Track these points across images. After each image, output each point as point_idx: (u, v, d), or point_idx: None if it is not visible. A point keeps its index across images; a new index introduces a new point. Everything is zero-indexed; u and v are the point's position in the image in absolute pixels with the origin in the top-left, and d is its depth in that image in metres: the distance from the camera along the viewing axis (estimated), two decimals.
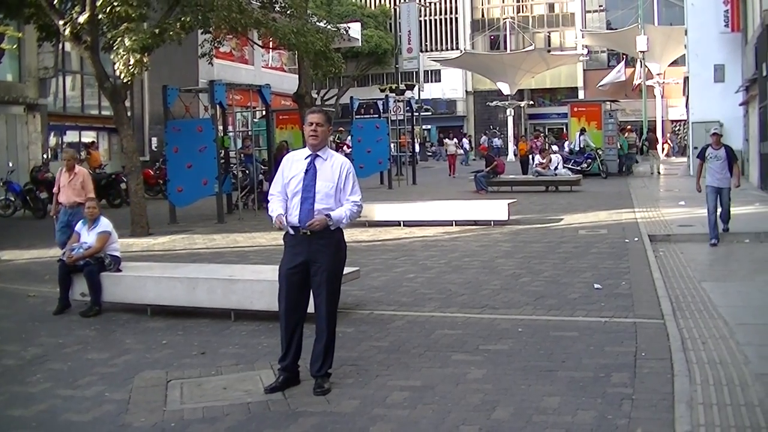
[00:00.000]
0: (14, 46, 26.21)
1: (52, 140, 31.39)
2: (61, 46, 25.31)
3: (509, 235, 16.06)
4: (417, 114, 44.77)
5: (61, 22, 17.50)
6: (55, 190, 13.29)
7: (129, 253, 13.68)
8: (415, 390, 6.41)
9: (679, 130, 59.58)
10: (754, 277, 11.50)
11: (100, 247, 10.05)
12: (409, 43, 62.08)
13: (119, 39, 16.67)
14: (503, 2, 74.46)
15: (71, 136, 32.93)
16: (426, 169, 45.14)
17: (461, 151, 50.80)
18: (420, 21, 67.21)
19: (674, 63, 55.31)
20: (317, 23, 26.83)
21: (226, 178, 21.15)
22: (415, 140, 40.55)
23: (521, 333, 8.13)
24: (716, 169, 14.29)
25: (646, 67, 53.13)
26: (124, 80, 17.31)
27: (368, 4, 72.69)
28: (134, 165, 18.46)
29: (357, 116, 32.01)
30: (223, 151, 21.41)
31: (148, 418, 6.03)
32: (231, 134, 23.82)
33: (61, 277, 10.08)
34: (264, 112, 24.67)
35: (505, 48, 69.34)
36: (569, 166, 31.20)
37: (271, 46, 32.55)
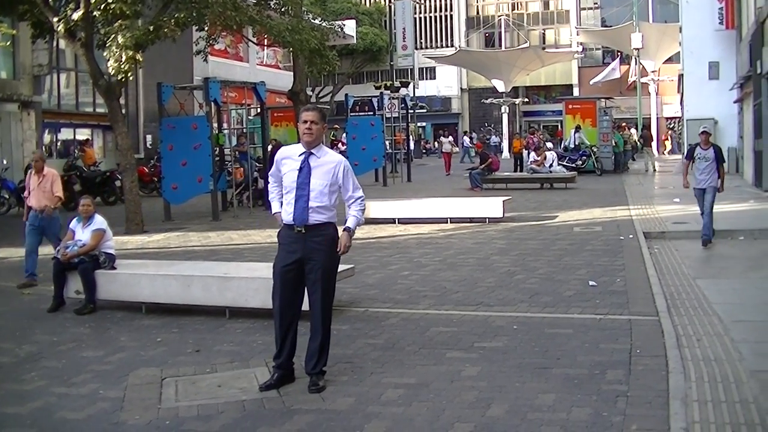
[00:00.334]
0: (8, 43, 26.16)
1: (47, 138, 31.35)
2: (55, 43, 25.29)
3: (504, 233, 16.07)
4: (412, 111, 44.75)
5: (55, 19, 17.46)
6: (25, 194, 12.75)
7: (124, 251, 13.68)
8: (410, 387, 6.41)
9: (673, 127, 59.60)
10: (748, 274, 11.53)
11: (95, 244, 10.04)
12: (404, 41, 62.03)
13: (113, 36, 16.64)
14: None
15: (66, 134, 32.90)
16: (421, 166, 45.13)
17: (457, 149, 50.75)
18: (415, 18, 67.15)
19: (669, 60, 55.36)
20: (312, 20, 26.88)
21: (221, 175, 21.13)
22: (410, 137, 40.54)
23: (516, 330, 8.13)
24: (703, 169, 13.80)
25: (641, 64, 53.16)
26: (118, 77, 17.27)
27: (363, 2, 72.56)
28: (129, 162, 18.42)
29: (352, 114, 31.93)
30: (217, 149, 21.38)
31: (143, 416, 6.02)
32: (226, 132, 23.79)
33: (56, 274, 10.06)
34: (259, 110, 24.62)
35: (500, 45, 69.33)
36: (564, 163, 31.21)
37: (265, 44, 32.41)
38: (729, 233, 14.92)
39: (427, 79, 70.78)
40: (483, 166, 27.36)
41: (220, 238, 16.71)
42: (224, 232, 17.68)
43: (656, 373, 6.49)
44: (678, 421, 5.39)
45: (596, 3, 70.24)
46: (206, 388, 6.64)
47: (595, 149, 33.58)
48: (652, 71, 55.88)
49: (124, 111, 23.41)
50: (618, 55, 64.07)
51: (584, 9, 70.73)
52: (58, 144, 32.84)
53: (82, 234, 10.17)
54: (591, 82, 60.47)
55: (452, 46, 70.96)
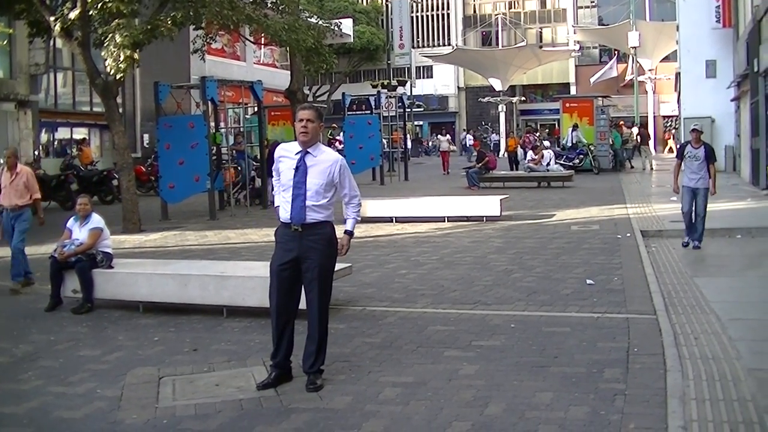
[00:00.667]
0: (5, 42, 26.13)
1: (44, 137, 31.27)
2: (52, 42, 25.23)
3: (501, 231, 16.07)
4: (409, 110, 44.70)
5: (52, 18, 17.44)
6: None
7: (121, 250, 13.67)
8: (408, 386, 6.40)
9: (669, 125, 59.60)
10: (746, 273, 11.54)
11: (92, 243, 10.02)
12: (400, 39, 62.09)
13: (110, 35, 16.62)
14: None
15: (62, 133, 32.83)
16: (418, 165, 45.12)
17: (455, 148, 50.70)
18: (412, 17, 67.18)
19: (666, 59, 55.34)
20: (309, 19, 26.82)
21: (218, 174, 21.11)
22: (407, 136, 40.51)
23: (514, 329, 8.13)
24: (694, 169, 13.31)
25: (638, 62, 53.18)
26: (115, 76, 17.25)
27: (360, 0, 72.54)
28: (126, 161, 18.40)
29: (349, 112, 31.92)
30: (215, 148, 21.36)
31: (140, 415, 6.01)
32: (223, 131, 23.77)
33: (53, 273, 10.05)
34: (256, 109, 24.60)
35: (497, 44, 69.26)
36: (561, 161, 31.24)
37: (262, 43, 32.46)
38: (726, 231, 14.93)
39: (424, 77, 70.70)
40: (480, 164, 27.37)
41: (218, 237, 16.69)
42: (221, 231, 17.67)
43: (654, 372, 6.50)
44: (676, 420, 5.39)
45: (593, 1, 70.18)
46: (204, 387, 6.63)
47: (592, 148, 33.60)
48: (649, 69, 55.86)
49: (121, 110, 23.40)
50: (615, 54, 64.08)
51: (581, 7, 70.67)
52: (55, 143, 32.76)
53: (79, 233, 10.16)
54: (591, 82, 60.46)
55: (449, 44, 70.88)
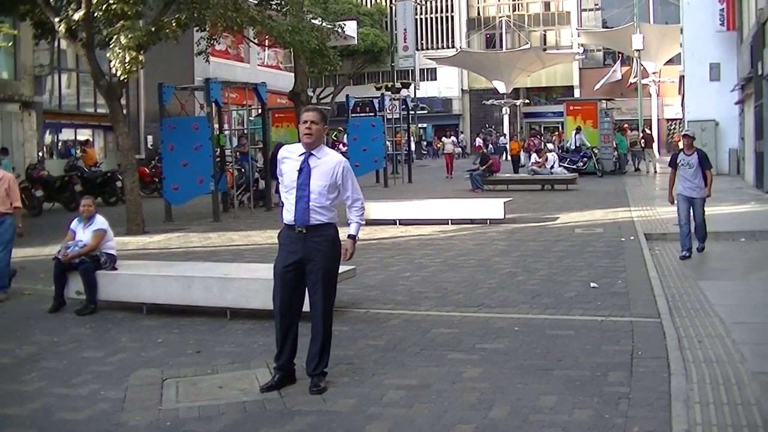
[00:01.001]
0: (9, 44, 26.16)
1: (48, 138, 31.35)
2: (56, 43, 25.27)
3: (505, 234, 16.06)
4: (413, 112, 44.75)
5: (56, 20, 17.45)
6: None
7: (124, 252, 13.67)
8: (411, 389, 6.40)
9: (674, 129, 59.53)
10: (749, 276, 11.52)
11: (96, 245, 10.03)
12: (404, 42, 62.06)
13: (115, 36, 16.64)
14: (499, 0, 74.45)
15: (67, 134, 32.93)
16: (422, 167, 45.12)
17: (459, 150, 50.63)
18: (416, 19, 67.16)
19: (670, 62, 55.32)
20: (313, 21, 26.85)
21: (222, 176, 21.12)
22: (411, 139, 40.51)
23: (517, 332, 8.12)
24: (688, 176, 12.72)
25: (642, 65, 53.13)
26: (120, 78, 17.27)
27: (364, 3, 72.56)
28: (130, 163, 18.42)
29: (353, 114, 31.94)
30: (218, 150, 21.38)
31: (144, 417, 6.01)
32: (226, 132, 23.78)
33: (57, 275, 10.06)
34: (260, 111, 24.62)
35: (501, 46, 69.32)
36: (565, 164, 31.22)
37: (266, 44, 32.50)
38: (730, 235, 14.91)
39: (427, 80, 70.75)
40: (484, 167, 27.36)
41: (221, 239, 16.70)
42: (225, 233, 17.68)
43: (658, 375, 6.48)
44: (680, 423, 5.38)
45: (597, 4, 70.18)
46: (207, 389, 6.63)
47: (596, 151, 33.58)
48: (653, 72, 55.84)
49: (125, 111, 23.46)
50: (619, 57, 64.04)
51: (585, 10, 70.67)
52: (59, 144, 32.86)
53: (82, 234, 10.16)
54: (596, 88, 60.43)
55: (453, 47, 70.93)
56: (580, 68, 68.41)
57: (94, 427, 5.92)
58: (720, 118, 31.25)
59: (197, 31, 22.58)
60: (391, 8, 62.87)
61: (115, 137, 22.13)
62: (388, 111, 33.10)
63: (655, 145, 41.02)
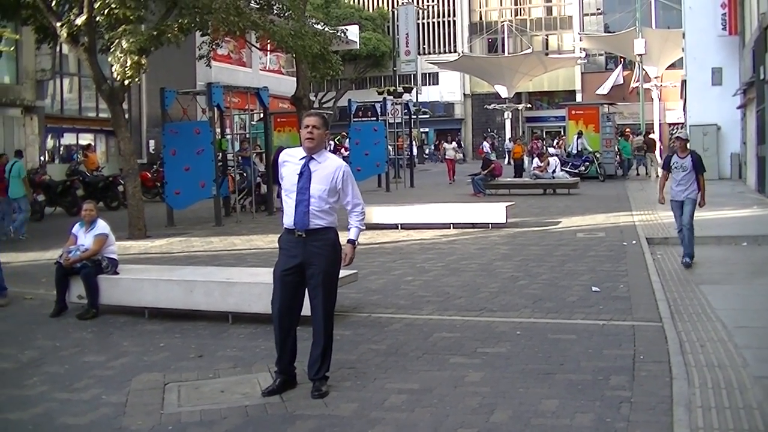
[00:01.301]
0: (11, 48, 26.21)
1: (50, 142, 31.39)
2: (58, 48, 25.30)
3: (507, 238, 16.06)
4: (415, 117, 44.74)
5: (58, 24, 17.48)
6: None
7: (126, 256, 13.68)
8: (413, 393, 6.39)
9: (674, 132, 59.57)
10: (752, 280, 11.50)
11: (98, 249, 10.03)
12: (406, 46, 62.02)
13: (117, 41, 16.66)
14: (501, 5, 74.48)
15: (68, 139, 32.95)
16: (424, 171, 45.11)
17: (461, 155, 50.58)
18: (418, 24, 67.14)
19: (672, 66, 55.35)
20: (315, 26, 26.86)
21: (224, 180, 21.12)
22: (413, 143, 40.49)
23: (519, 336, 8.12)
24: (680, 180, 12.30)
25: (644, 70, 53.16)
26: (122, 82, 17.29)
27: (366, 7, 72.71)
28: (132, 167, 18.43)
29: (355, 119, 31.96)
30: (220, 154, 21.38)
31: (146, 421, 6.01)
32: (228, 137, 23.79)
33: (58, 279, 10.07)
34: (262, 115, 24.63)
35: (503, 51, 69.34)
36: (567, 169, 31.21)
37: (268, 49, 32.50)
38: (732, 239, 14.89)
39: (430, 84, 70.79)
40: (485, 171, 27.35)
41: (223, 244, 16.71)
42: (227, 237, 17.69)
43: (660, 379, 6.48)
44: (682, 428, 5.37)
45: (599, 9, 70.22)
46: (209, 393, 6.63)
47: (597, 155, 33.57)
48: (655, 77, 55.87)
49: (126, 116, 23.46)
50: (621, 61, 64.07)
51: (587, 15, 70.70)
52: (61, 149, 32.89)
53: (84, 239, 10.17)
54: (602, 92, 60.46)
55: (455, 51, 71.01)
56: (582, 73, 68.44)
57: (96, 431, 5.92)
58: (722, 122, 31.25)
59: (199, 35, 22.60)
60: (393, 13, 62.86)
61: (116, 142, 22.18)
62: (390, 115, 33.10)
63: (657, 150, 41.02)
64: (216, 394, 6.58)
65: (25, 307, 10.78)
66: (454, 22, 74.46)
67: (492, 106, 61.97)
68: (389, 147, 31.99)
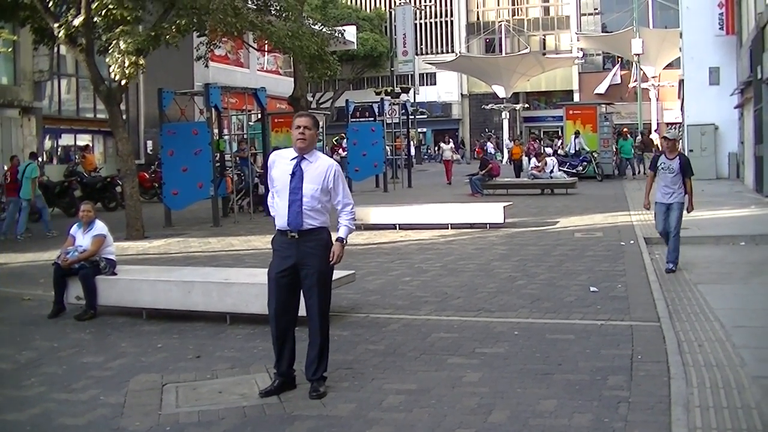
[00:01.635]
0: (9, 49, 26.20)
1: (48, 143, 31.37)
2: (56, 49, 25.30)
3: (505, 238, 16.06)
4: (412, 117, 44.76)
5: (56, 25, 17.46)
6: None
7: (124, 257, 13.67)
8: (411, 393, 6.39)
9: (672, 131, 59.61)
10: (749, 280, 11.50)
11: (95, 250, 10.02)
12: (404, 46, 62.12)
13: (114, 42, 16.65)
14: (498, 5, 74.56)
15: (66, 140, 32.95)
16: (421, 172, 45.10)
17: (458, 156, 50.54)
18: (415, 24, 67.25)
19: (669, 66, 55.47)
20: (312, 26, 26.87)
21: (222, 181, 21.12)
22: (411, 143, 40.50)
23: (517, 336, 8.12)
24: (667, 182, 11.72)
25: (642, 69, 53.22)
26: (120, 82, 17.28)
27: (363, 8, 72.73)
28: (129, 168, 18.42)
29: (352, 119, 31.95)
30: (218, 155, 21.38)
31: (144, 422, 6.01)
32: (226, 137, 23.78)
33: (56, 280, 10.05)
34: (259, 116, 24.64)
35: (501, 51, 69.42)
36: (565, 169, 31.23)
37: (266, 50, 32.55)
38: (730, 239, 14.89)
39: (427, 84, 70.86)
40: (483, 171, 27.36)
41: (221, 244, 16.70)
42: (225, 237, 17.69)
43: (658, 379, 6.48)
44: (680, 427, 5.37)
45: (596, 9, 70.34)
46: (207, 394, 6.63)
47: (595, 155, 33.59)
48: (653, 77, 55.99)
49: (124, 117, 23.48)
50: (618, 61, 64.14)
51: (584, 15, 70.80)
52: (59, 150, 32.89)
53: (82, 239, 10.16)
54: (599, 92, 60.51)
55: (453, 51, 71.08)
56: (579, 73, 68.53)
57: None
58: (720, 122, 31.28)
59: (197, 36, 22.60)
60: (390, 13, 63.03)
61: (114, 142, 22.14)
62: (387, 116, 33.13)
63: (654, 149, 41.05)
64: (214, 395, 6.58)
65: (23, 308, 10.77)
66: (452, 22, 74.52)
67: (489, 106, 62.00)
68: (387, 147, 31.99)
